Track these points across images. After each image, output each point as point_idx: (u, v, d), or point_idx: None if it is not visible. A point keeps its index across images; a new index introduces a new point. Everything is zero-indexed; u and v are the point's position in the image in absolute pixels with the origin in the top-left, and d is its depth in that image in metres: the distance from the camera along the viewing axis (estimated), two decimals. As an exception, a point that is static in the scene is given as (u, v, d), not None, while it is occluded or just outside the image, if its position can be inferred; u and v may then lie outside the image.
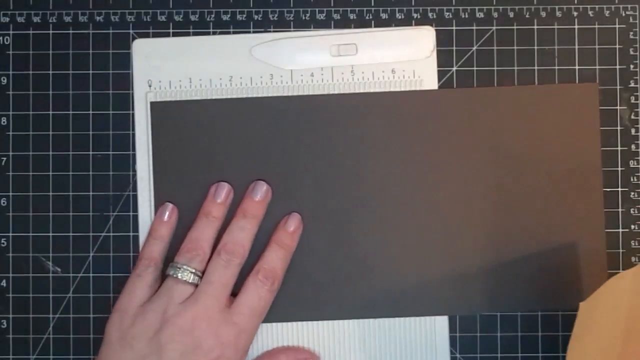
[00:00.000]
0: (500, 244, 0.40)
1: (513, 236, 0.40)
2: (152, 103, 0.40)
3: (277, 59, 0.40)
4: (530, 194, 0.40)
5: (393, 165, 0.40)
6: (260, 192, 0.39)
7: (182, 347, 0.35)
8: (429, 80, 0.40)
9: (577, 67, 0.41)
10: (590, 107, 0.40)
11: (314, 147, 0.40)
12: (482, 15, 0.41)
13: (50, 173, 0.40)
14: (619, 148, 0.41)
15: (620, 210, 0.41)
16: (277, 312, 0.39)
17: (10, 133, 0.41)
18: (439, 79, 0.41)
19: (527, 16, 0.41)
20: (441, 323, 0.40)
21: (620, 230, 0.41)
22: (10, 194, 0.40)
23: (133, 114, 0.40)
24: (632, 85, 0.41)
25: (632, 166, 0.41)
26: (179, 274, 0.36)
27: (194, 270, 0.36)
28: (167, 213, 0.39)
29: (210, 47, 0.40)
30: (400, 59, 0.40)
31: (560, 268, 0.40)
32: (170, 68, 0.40)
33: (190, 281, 0.36)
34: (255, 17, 0.41)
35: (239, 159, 0.39)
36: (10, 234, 0.40)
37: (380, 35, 0.41)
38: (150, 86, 0.40)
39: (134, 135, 0.40)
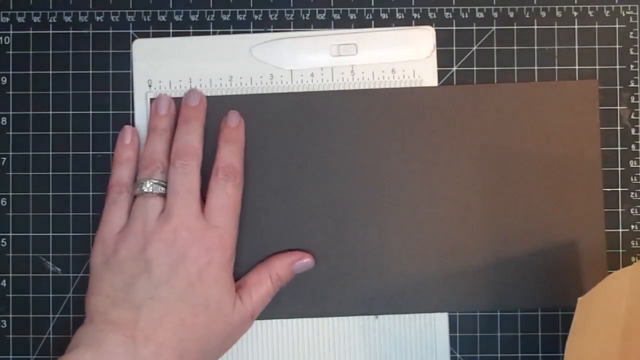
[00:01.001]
0: (500, 241, 0.40)
1: (513, 233, 0.40)
2: (151, 99, 0.40)
3: (277, 59, 0.40)
4: (529, 191, 0.40)
5: (393, 162, 0.40)
6: (195, 98, 0.39)
7: (169, 260, 0.35)
8: (429, 80, 0.40)
9: (577, 67, 0.41)
10: (590, 104, 0.40)
11: (314, 143, 0.40)
12: (482, 15, 0.41)
13: (50, 173, 0.40)
14: (619, 148, 0.41)
15: (620, 210, 0.41)
16: (277, 308, 0.39)
17: (10, 133, 0.41)
18: (439, 79, 0.41)
19: (527, 16, 0.41)
20: (441, 322, 0.40)
21: (620, 230, 0.41)
22: (10, 194, 0.40)
23: (133, 114, 0.40)
24: (632, 85, 0.41)
25: (632, 166, 0.41)
26: (144, 188, 0.36)
27: (157, 181, 0.36)
28: (129, 136, 0.39)
29: (210, 47, 0.40)
30: (400, 59, 0.40)
31: (560, 266, 0.40)
32: (170, 68, 0.40)
33: (157, 192, 0.36)
34: (255, 17, 0.41)
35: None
36: (10, 234, 0.40)
37: (380, 35, 0.41)
38: (150, 86, 0.40)
39: (134, 135, 0.40)
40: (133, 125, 0.40)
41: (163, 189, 0.36)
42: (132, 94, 0.40)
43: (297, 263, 0.38)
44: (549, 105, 0.40)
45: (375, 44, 0.41)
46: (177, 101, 0.40)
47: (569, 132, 0.40)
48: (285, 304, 0.39)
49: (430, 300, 0.40)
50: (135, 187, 0.37)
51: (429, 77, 0.40)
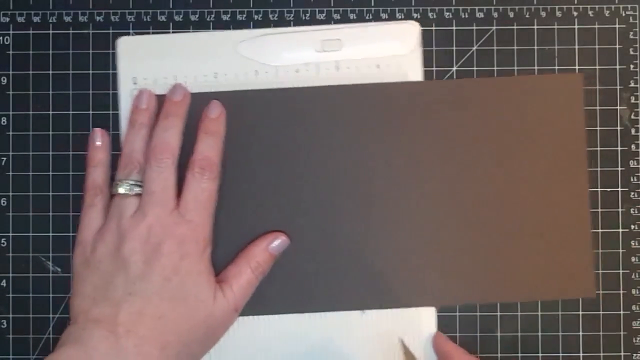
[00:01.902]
0: (485, 236, 0.40)
1: (498, 228, 0.40)
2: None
3: (262, 55, 0.40)
4: (514, 185, 0.40)
5: (379, 157, 0.40)
6: (179, 94, 0.39)
7: (144, 256, 0.35)
8: (414, 75, 0.40)
9: (577, 67, 0.41)
10: (574, 98, 0.40)
11: (300, 139, 0.40)
12: (482, 15, 0.41)
13: (50, 173, 0.40)
14: (619, 148, 0.41)
15: (620, 210, 0.41)
16: (263, 304, 0.39)
17: (10, 133, 0.41)
18: (439, 79, 0.41)
19: (527, 16, 0.41)
20: (428, 317, 0.40)
21: (620, 230, 0.41)
22: (10, 194, 0.40)
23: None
24: (632, 85, 0.41)
25: (632, 166, 0.41)
26: (120, 189, 0.37)
27: (133, 182, 0.37)
28: (99, 138, 0.39)
29: (196, 44, 0.40)
30: (385, 53, 0.40)
31: (544, 261, 0.40)
32: (155, 65, 0.40)
33: (134, 193, 0.37)
34: (256, 17, 0.41)
35: (223, 152, 0.39)
36: (10, 234, 0.40)
37: (365, 30, 0.41)
38: (135, 83, 0.40)
39: (134, 135, 0.40)
40: (118, 123, 0.40)
41: (139, 189, 0.37)
42: (118, 91, 0.40)
43: (273, 244, 0.39)
44: (533, 99, 0.40)
45: (360, 39, 0.40)
46: (161, 98, 0.39)
47: (554, 126, 0.40)
48: (272, 299, 0.39)
49: (417, 295, 0.40)
50: (113, 187, 0.37)
51: (413, 71, 0.40)
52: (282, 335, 0.40)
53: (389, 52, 0.40)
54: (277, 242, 0.39)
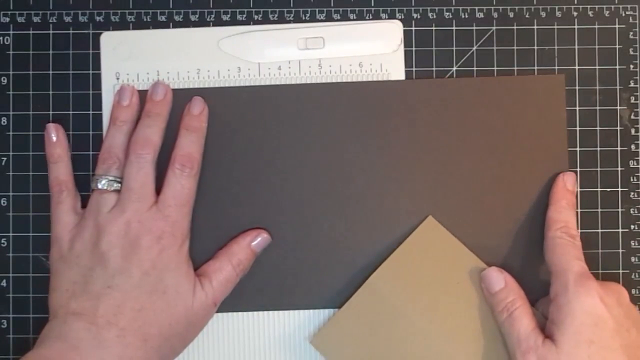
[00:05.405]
0: (466, 232, 0.40)
1: (478, 228, 0.40)
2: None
3: (245, 52, 0.40)
4: (497, 184, 0.40)
5: (360, 155, 0.40)
6: (160, 93, 0.39)
7: (122, 251, 0.36)
8: (396, 74, 0.40)
9: (577, 67, 0.41)
10: (557, 99, 0.40)
11: (281, 136, 0.40)
12: (482, 15, 0.41)
13: (50, 173, 0.40)
14: (619, 148, 0.41)
15: (620, 210, 0.41)
16: (243, 301, 0.39)
17: (10, 133, 0.41)
18: (439, 78, 0.41)
19: (527, 16, 0.41)
20: None
21: (620, 230, 0.41)
22: (10, 194, 0.40)
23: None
24: (632, 85, 0.41)
25: (632, 166, 0.41)
26: (99, 185, 0.37)
27: (112, 178, 0.37)
28: (54, 133, 0.39)
29: (178, 40, 0.40)
30: (368, 52, 0.40)
31: (530, 258, 0.40)
32: (138, 61, 0.40)
33: (112, 189, 0.37)
34: (256, 17, 0.41)
35: (205, 148, 0.39)
36: (10, 234, 0.40)
37: (348, 28, 0.41)
38: (118, 79, 0.40)
39: (134, 135, 0.40)
40: (102, 121, 0.40)
41: (118, 185, 0.37)
42: (100, 87, 0.40)
43: (255, 241, 0.39)
44: (515, 100, 0.40)
45: (343, 38, 0.40)
46: (144, 93, 0.39)
47: (536, 127, 0.40)
48: (252, 296, 0.39)
49: None
50: (92, 182, 0.38)
51: (396, 70, 0.40)
52: (261, 332, 0.40)
53: (371, 50, 0.40)
54: (259, 239, 0.39)
